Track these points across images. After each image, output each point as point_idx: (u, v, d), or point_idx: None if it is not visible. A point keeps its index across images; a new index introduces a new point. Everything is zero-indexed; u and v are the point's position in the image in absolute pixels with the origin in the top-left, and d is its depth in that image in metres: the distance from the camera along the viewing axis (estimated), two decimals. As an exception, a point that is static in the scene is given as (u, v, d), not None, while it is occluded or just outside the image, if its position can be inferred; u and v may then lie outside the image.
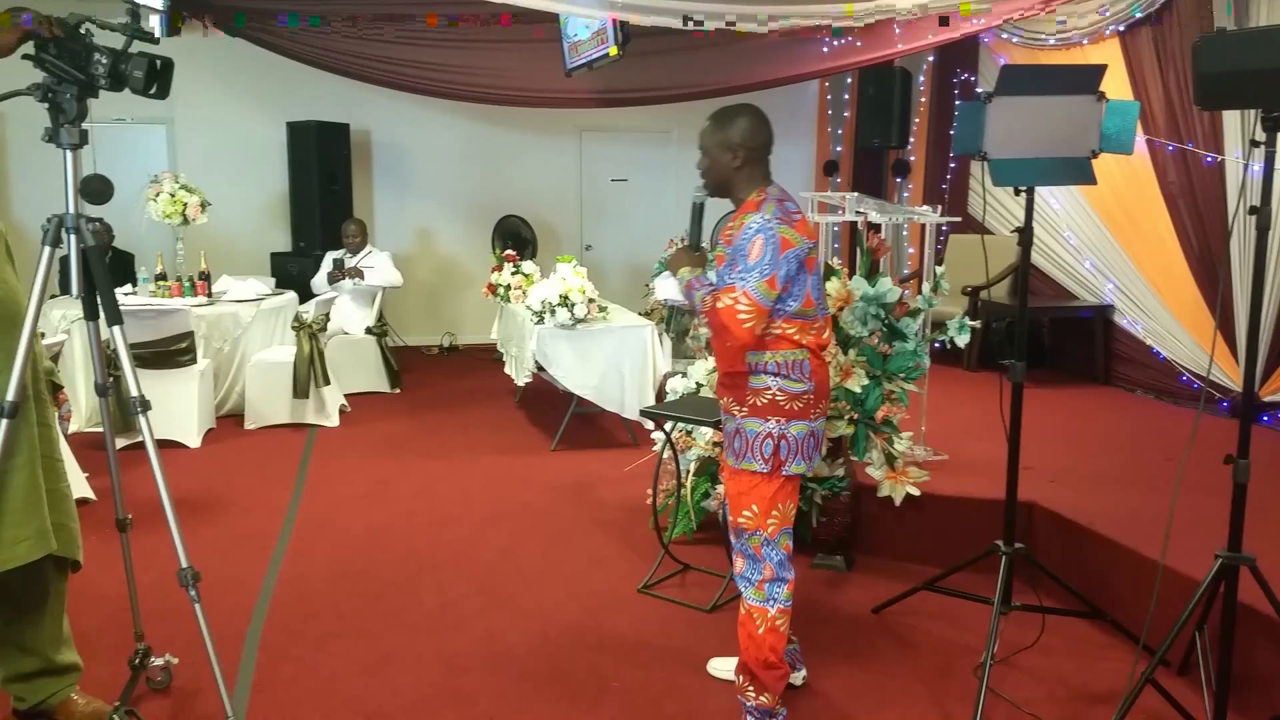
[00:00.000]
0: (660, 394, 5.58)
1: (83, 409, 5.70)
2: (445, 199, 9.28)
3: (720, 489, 3.87)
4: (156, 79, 2.34)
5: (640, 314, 6.71)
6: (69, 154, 2.36)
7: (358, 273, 7.24)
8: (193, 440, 5.68)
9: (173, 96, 2.46)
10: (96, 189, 2.40)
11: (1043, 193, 6.51)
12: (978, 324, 4.38)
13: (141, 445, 2.50)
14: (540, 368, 5.75)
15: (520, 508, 4.68)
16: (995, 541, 3.15)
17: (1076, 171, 2.96)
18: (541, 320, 5.68)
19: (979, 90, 7.09)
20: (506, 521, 4.49)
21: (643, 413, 4.16)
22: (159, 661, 2.91)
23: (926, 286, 4.02)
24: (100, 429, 3.76)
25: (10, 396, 2.29)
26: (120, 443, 5.06)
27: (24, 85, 2.32)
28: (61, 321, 5.90)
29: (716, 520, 3.98)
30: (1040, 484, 3.95)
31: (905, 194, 8.85)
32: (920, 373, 3.91)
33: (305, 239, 8.51)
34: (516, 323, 6.23)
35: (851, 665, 3.15)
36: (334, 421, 6.25)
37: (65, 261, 2.39)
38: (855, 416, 3.83)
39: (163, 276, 6.64)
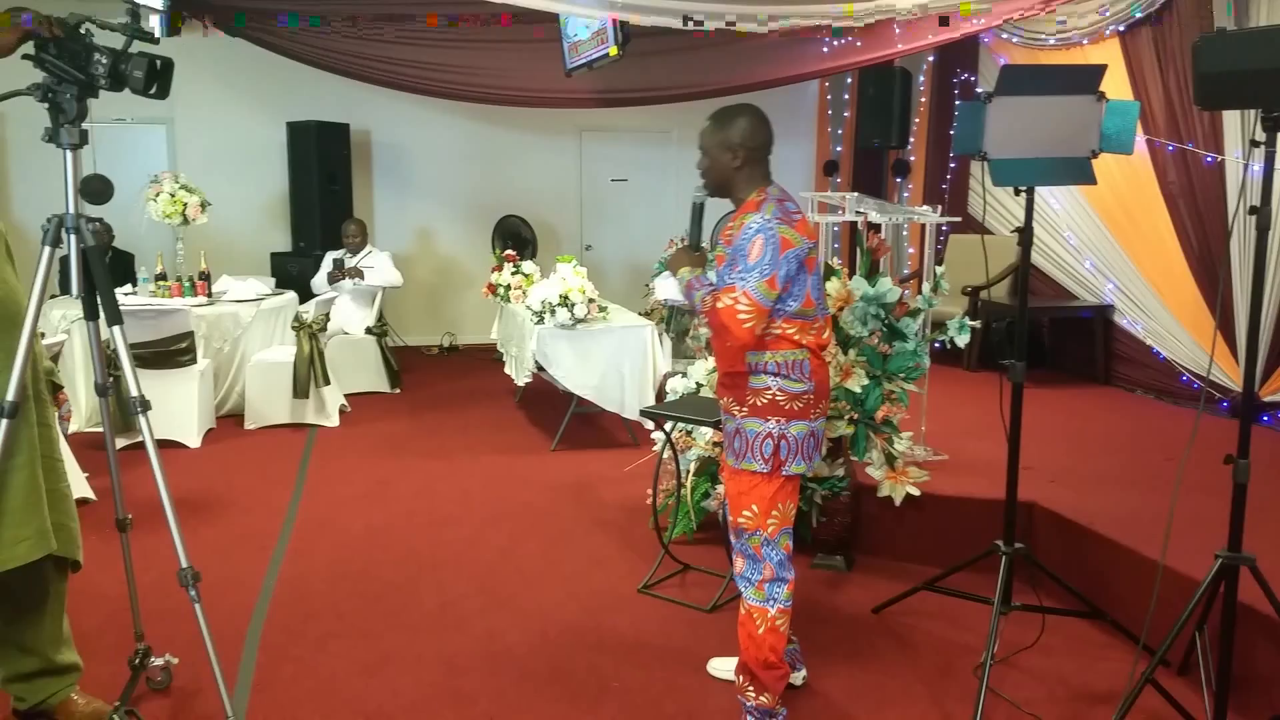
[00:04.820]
0: (660, 394, 5.58)
1: (83, 409, 5.70)
2: (445, 199, 9.28)
3: (720, 489, 3.87)
4: (156, 79, 2.34)
5: (640, 314, 6.71)
6: (69, 154, 2.36)
7: (358, 273, 7.24)
8: (193, 440, 5.68)
9: (173, 96, 2.46)
10: (96, 189, 2.40)
11: (1043, 193, 6.51)
12: (978, 324, 4.38)
13: (141, 445, 2.50)
14: (540, 368, 5.75)
15: (520, 508, 4.68)
16: (995, 541, 3.15)
17: (1076, 171, 2.96)
18: (541, 320, 5.68)
19: (979, 90, 7.09)
20: (506, 521, 4.49)
21: (643, 413, 4.16)
22: (159, 661, 2.91)
23: (926, 286, 4.02)
24: (100, 429, 3.76)
25: (10, 396, 2.29)
26: (120, 443, 5.06)
27: (24, 85, 2.32)
28: (61, 321, 5.90)
29: (716, 520, 3.98)
30: (1040, 484, 3.95)
31: (905, 194, 8.85)
32: (920, 373, 3.91)
33: (305, 239, 8.51)
34: (516, 323, 6.23)
35: (851, 665, 3.15)
36: (334, 421, 6.25)
37: (65, 261, 2.39)
38: (855, 416, 3.83)
39: (163, 276, 6.64)
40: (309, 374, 6.10)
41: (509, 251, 7.31)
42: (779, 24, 5.93)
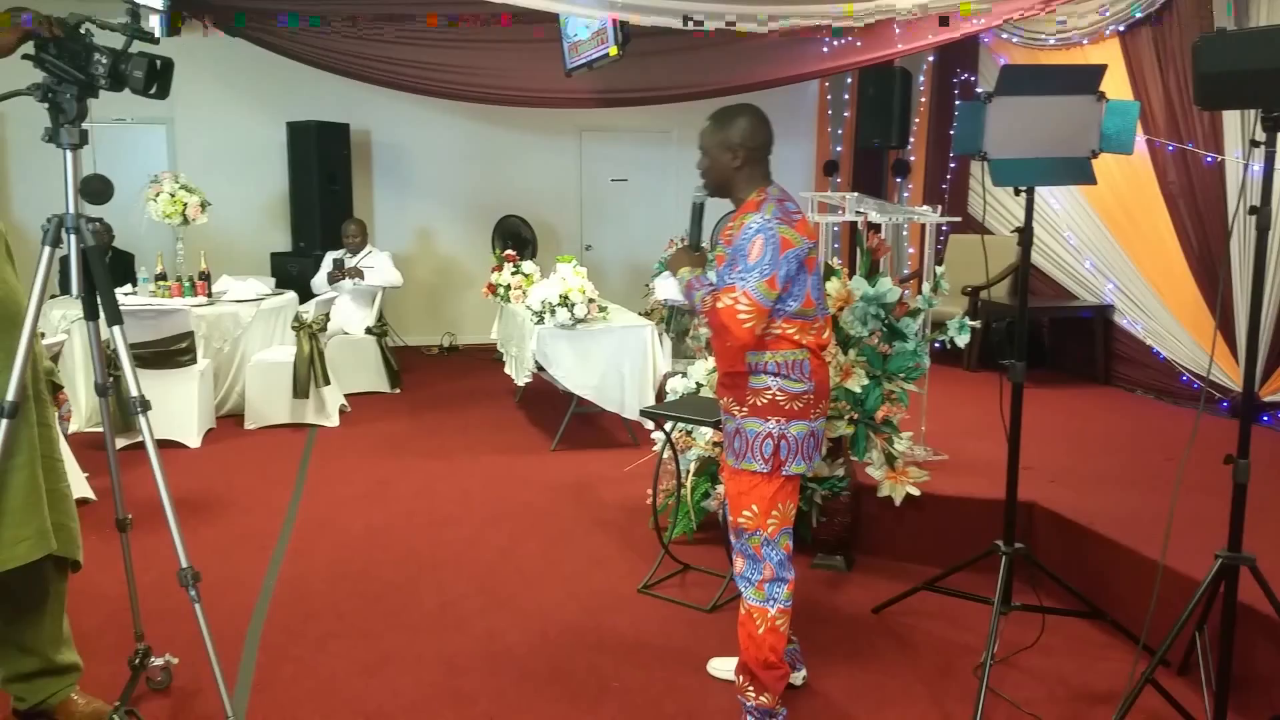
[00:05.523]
0: (660, 394, 5.58)
1: (83, 409, 5.70)
2: (445, 199, 9.28)
3: (720, 489, 3.87)
4: (156, 79, 2.34)
5: (640, 314, 6.71)
6: (69, 154, 2.36)
7: (358, 273, 7.24)
8: (193, 440, 5.68)
9: (173, 96, 2.46)
10: (96, 189, 2.40)
11: (1043, 193, 6.51)
12: (978, 324, 4.38)
13: (141, 445, 2.50)
14: (540, 368, 5.75)
15: (520, 508, 4.68)
16: (995, 541, 3.15)
17: (1076, 171, 2.96)
18: (541, 320, 5.69)
19: (979, 90, 7.09)
20: (506, 521, 4.49)
21: (643, 413, 4.16)
22: (159, 661, 2.91)
23: (926, 286, 4.02)
24: (100, 429, 3.76)
25: (10, 396, 2.29)
26: (120, 443, 5.06)
27: (24, 85, 2.32)
28: (61, 321, 5.90)
29: (716, 520, 3.98)
30: (1040, 484, 3.95)
31: (905, 194, 8.85)
32: (920, 373, 3.91)
33: (305, 239, 8.51)
34: (516, 323, 6.23)
35: (851, 665, 3.15)
36: (334, 421, 6.25)
37: (65, 261, 2.39)
38: (855, 416, 3.83)
39: (163, 276, 6.64)
40: (309, 374, 6.10)
41: (509, 251, 7.31)
42: (779, 24, 5.93)
